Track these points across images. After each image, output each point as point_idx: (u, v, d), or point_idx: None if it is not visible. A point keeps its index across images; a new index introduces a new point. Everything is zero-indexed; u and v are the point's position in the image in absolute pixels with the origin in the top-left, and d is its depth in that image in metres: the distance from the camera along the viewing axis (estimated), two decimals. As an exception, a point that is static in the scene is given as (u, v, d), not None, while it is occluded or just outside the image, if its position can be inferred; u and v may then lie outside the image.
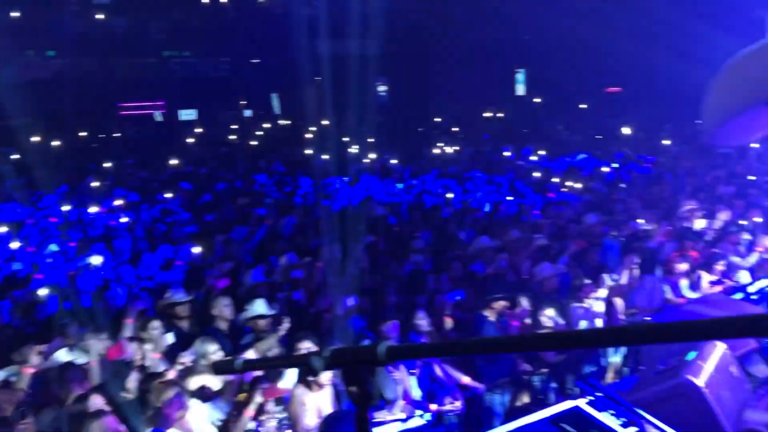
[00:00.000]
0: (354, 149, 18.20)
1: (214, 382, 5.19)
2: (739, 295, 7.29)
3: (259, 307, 6.28)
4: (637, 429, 2.37)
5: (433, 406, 5.67)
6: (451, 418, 5.82)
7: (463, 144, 20.25)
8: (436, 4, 27.90)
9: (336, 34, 21.66)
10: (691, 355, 3.53)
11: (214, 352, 5.45)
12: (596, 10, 21.64)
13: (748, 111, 1.13)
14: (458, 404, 5.78)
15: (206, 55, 30.26)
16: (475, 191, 13.09)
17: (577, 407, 2.85)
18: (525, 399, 6.35)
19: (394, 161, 17.54)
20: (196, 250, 8.96)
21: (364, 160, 17.12)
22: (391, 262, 8.41)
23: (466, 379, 5.99)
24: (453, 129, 24.88)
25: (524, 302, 6.69)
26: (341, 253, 8.16)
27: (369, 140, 20.91)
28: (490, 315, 6.34)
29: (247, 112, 31.61)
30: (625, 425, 2.59)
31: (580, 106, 27.20)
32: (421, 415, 5.53)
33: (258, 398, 4.70)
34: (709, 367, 3.48)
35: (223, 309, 6.50)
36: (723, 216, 9.82)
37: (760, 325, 0.71)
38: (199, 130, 27.47)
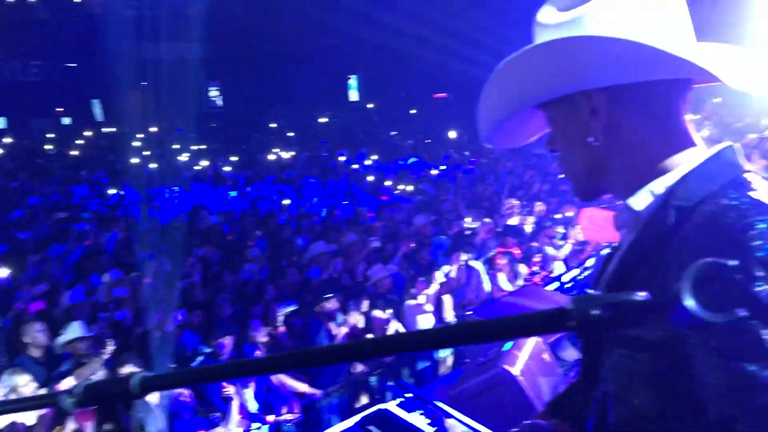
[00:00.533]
0: (184, 156, 17.50)
1: (27, 417, 4.72)
2: (554, 285, 7.91)
3: (76, 329, 5.81)
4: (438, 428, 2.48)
5: (271, 417, 5.58)
6: (290, 427, 5.75)
7: (298, 149, 20.21)
8: (269, 11, 27.67)
9: (164, 37, 20.74)
10: (508, 346, 3.76)
11: (25, 384, 4.96)
12: (420, 20, 22.59)
13: (516, 115, 1.17)
14: (296, 413, 5.73)
15: (12, 58, 27.57)
16: (311, 196, 13.10)
17: (385, 410, 2.91)
18: (364, 400, 6.43)
19: (227, 168, 17.10)
20: (3, 272, 8.10)
21: (196, 168, 16.53)
22: (225, 273, 8.17)
23: (302, 387, 5.95)
24: (288, 134, 24.78)
25: (360, 304, 6.80)
26: (170, 266, 7.79)
27: (201, 147, 20.23)
28: (323, 318, 6.35)
29: (66, 120, 29.30)
30: (432, 424, 2.69)
31: (410, 111, 28.27)
32: (258, 428, 5.42)
33: (71, 425, 4.35)
34: (523, 355, 3.71)
35: (36, 335, 5.93)
36: (539, 211, 10.64)
37: (551, 322, 0.73)
38: (8, 139, 25.01)
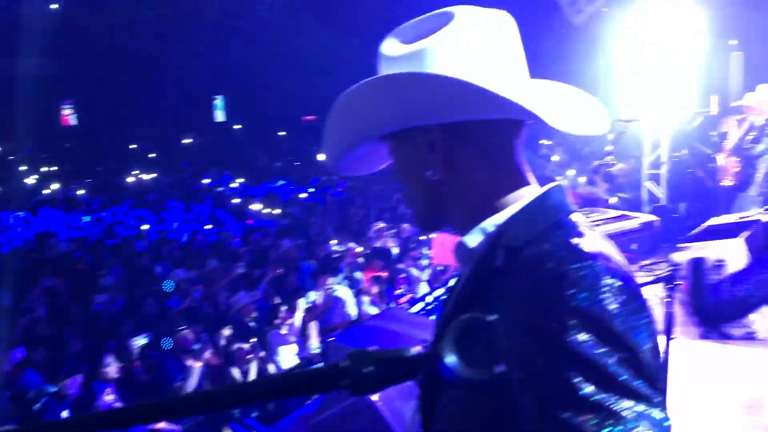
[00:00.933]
0: (32, 179, 16.26)
1: None
2: (420, 305, 8.06)
3: None
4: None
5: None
6: (144, 469, 5.39)
7: (160, 171, 19.43)
8: (131, 28, 26.51)
9: (11, 51, 19.23)
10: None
11: None
12: (289, 42, 22.58)
13: (361, 145, 1.15)
14: (152, 453, 5.39)
15: None
16: (172, 221, 12.59)
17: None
18: (227, 434, 6.18)
19: (81, 191, 16.07)
20: None
21: (45, 192, 15.40)
22: (74, 305, 7.61)
23: (160, 424, 5.62)
24: (150, 155, 23.77)
25: (221, 334, 6.56)
26: (10, 300, 7.13)
27: (51, 168, 18.92)
28: (179, 351, 6.06)
29: None
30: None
31: (279, 133, 28.06)
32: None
33: None
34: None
35: None
36: (405, 233, 10.85)
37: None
38: None
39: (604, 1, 11.37)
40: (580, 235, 0.98)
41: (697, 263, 2.24)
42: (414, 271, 9.12)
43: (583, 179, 11.93)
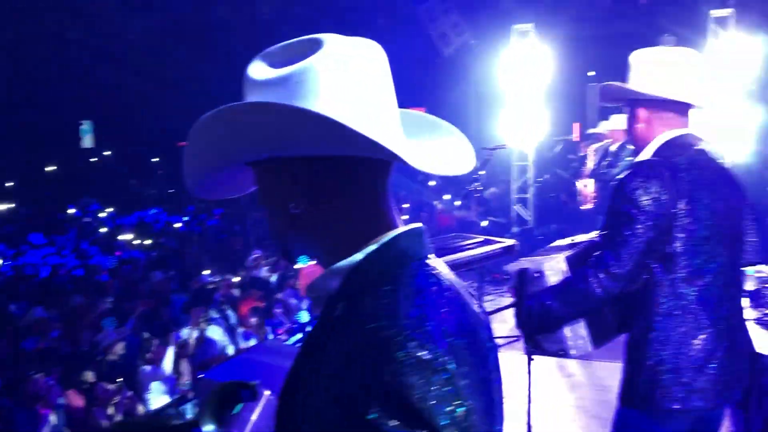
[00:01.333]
0: None
1: None
2: (298, 336, 7.95)
3: None
4: None
5: None
6: None
7: (18, 201, 18.11)
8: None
9: None
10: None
11: None
12: (165, 65, 21.90)
13: (222, 170, 1.11)
14: None
15: None
16: (31, 255, 11.72)
17: None
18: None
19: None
20: None
21: None
22: None
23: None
24: (7, 184, 22.08)
25: (82, 376, 6.11)
26: None
27: None
28: (31, 398, 5.58)
29: None
30: None
31: (153, 159, 26.98)
32: None
33: None
34: (254, 416, 3.58)
35: None
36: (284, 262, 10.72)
37: None
38: None
39: (471, 35, 11.91)
40: (408, 291, 0.94)
41: (521, 273, 2.33)
42: (293, 301, 9.00)
43: (458, 203, 12.33)
